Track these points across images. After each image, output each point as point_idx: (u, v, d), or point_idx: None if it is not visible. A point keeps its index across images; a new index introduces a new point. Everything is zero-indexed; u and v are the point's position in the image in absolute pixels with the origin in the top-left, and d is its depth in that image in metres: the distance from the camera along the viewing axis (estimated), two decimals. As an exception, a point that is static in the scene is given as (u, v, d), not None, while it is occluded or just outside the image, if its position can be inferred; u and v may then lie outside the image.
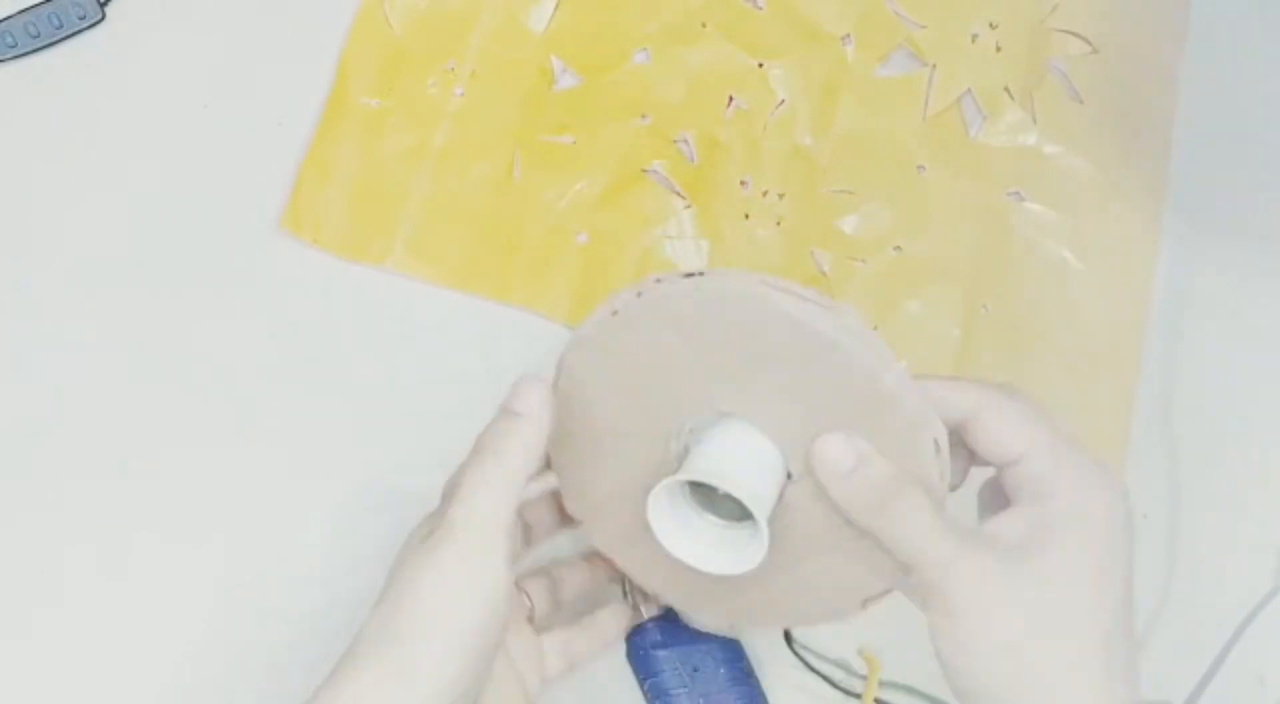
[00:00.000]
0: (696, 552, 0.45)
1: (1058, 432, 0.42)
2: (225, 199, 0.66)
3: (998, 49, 0.72)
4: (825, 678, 0.58)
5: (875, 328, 0.67)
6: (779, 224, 0.68)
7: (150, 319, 0.64)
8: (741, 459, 0.44)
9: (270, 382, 0.63)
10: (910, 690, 0.58)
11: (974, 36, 0.72)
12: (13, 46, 0.66)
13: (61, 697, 0.59)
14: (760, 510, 0.43)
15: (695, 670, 0.59)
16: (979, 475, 0.48)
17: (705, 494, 0.46)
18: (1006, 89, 0.71)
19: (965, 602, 0.39)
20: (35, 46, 0.66)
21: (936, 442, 0.43)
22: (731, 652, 0.59)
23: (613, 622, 0.57)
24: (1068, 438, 0.42)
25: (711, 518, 0.46)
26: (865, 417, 0.43)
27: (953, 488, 0.45)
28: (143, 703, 0.59)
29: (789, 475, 0.44)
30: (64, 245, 0.65)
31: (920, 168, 0.70)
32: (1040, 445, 0.42)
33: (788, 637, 0.56)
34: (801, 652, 0.56)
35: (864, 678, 0.58)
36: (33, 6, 0.66)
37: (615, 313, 0.46)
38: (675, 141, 0.69)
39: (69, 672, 0.59)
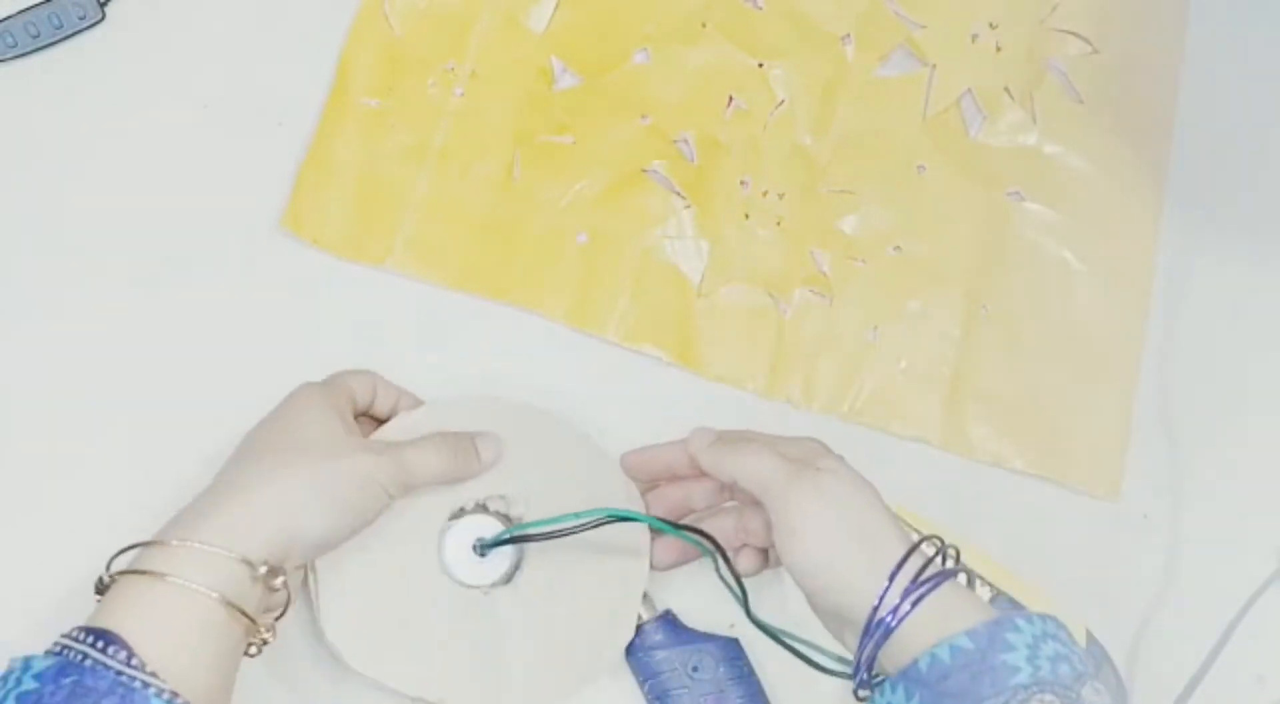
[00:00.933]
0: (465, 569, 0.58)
1: (784, 468, 0.56)
2: (225, 199, 0.66)
3: (998, 49, 0.72)
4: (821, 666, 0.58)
5: (875, 328, 0.68)
6: (779, 224, 0.68)
7: (150, 319, 0.64)
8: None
9: (270, 381, 0.63)
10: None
11: (974, 36, 0.72)
12: (13, 46, 0.66)
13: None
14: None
15: (695, 670, 0.59)
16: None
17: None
18: (1006, 89, 0.71)
19: (800, 519, 0.53)
20: (35, 46, 0.66)
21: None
22: (731, 651, 0.59)
23: None
24: (789, 469, 0.55)
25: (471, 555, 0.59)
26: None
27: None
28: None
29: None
30: (64, 245, 0.65)
31: (920, 168, 0.70)
32: (773, 475, 0.55)
33: (775, 637, 0.56)
34: (799, 646, 0.57)
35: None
36: (33, 7, 0.66)
37: None
38: (675, 141, 0.69)
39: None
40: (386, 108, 0.67)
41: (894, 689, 0.50)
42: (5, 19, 0.66)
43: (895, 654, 0.51)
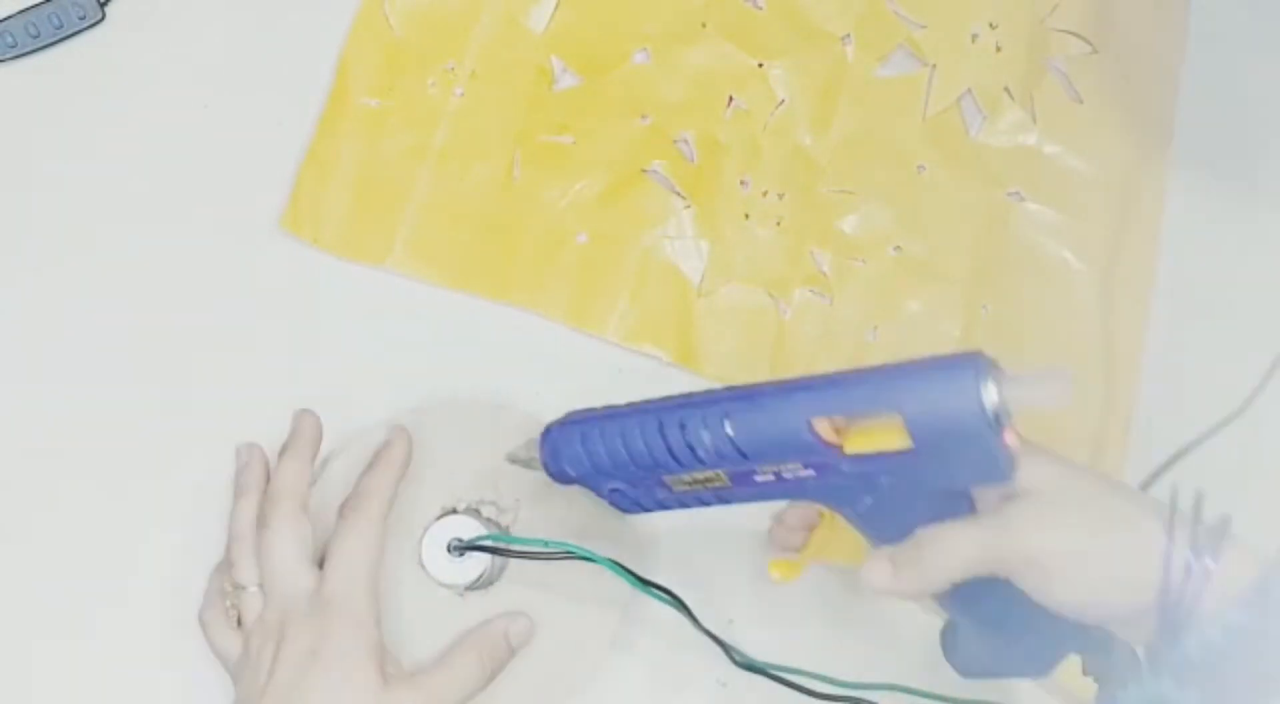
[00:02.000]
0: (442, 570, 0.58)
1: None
2: (225, 199, 0.66)
3: (998, 49, 0.72)
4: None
5: (875, 328, 0.67)
6: (779, 224, 0.68)
7: (150, 318, 0.64)
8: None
9: (270, 381, 0.63)
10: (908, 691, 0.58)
11: (974, 36, 0.72)
12: (13, 46, 0.66)
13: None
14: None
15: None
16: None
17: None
18: (1006, 89, 0.71)
19: (1039, 544, 0.47)
20: (35, 46, 0.66)
21: None
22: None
23: None
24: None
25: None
26: None
27: None
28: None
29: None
30: (64, 245, 0.65)
31: (920, 168, 0.70)
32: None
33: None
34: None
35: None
36: (33, 6, 0.66)
37: None
38: (675, 141, 0.69)
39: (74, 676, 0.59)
40: (386, 108, 0.67)
41: (1155, 677, 0.45)
42: (5, 19, 0.66)
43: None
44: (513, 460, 0.56)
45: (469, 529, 0.58)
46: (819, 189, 0.69)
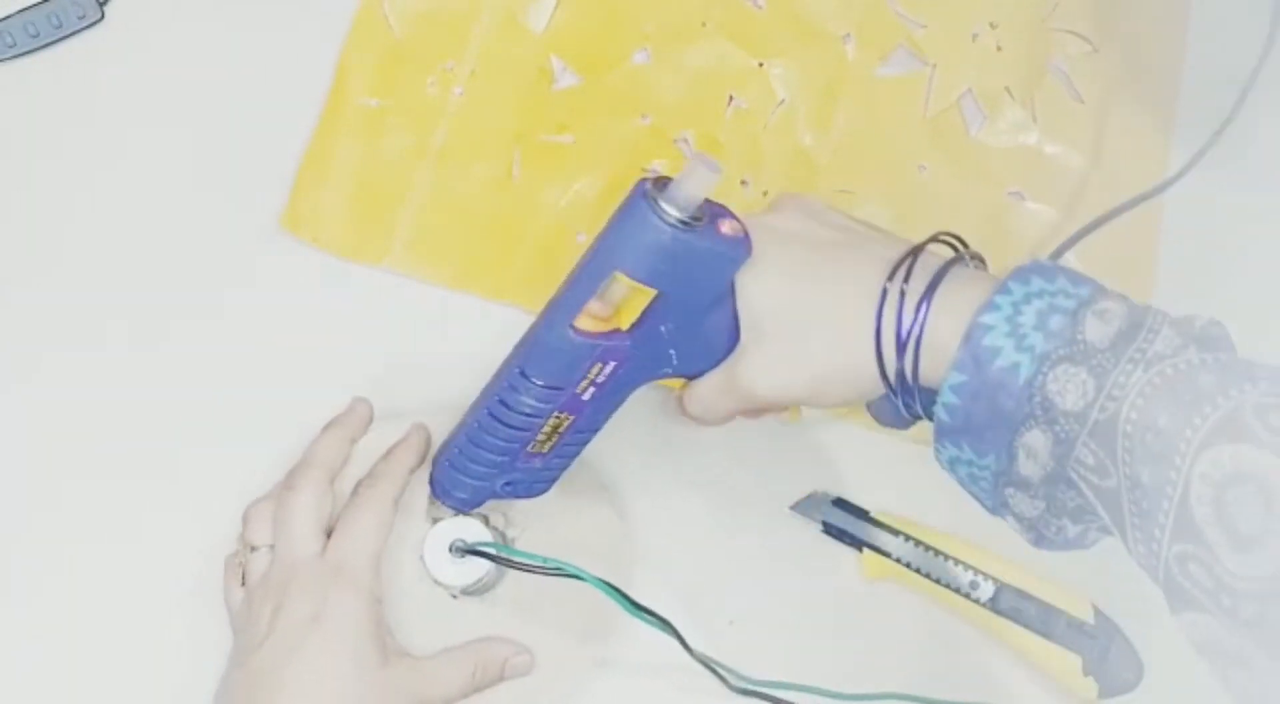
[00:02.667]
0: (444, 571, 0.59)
1: None
2: (225, 199, 0.65)
3: (998, 48, 0.72)
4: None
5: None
6: (779, 224, 0.68)
7: (150, 319, 0.64)
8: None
9: (270, 381, 0.63)
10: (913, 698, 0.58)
11: (974, 36, 0.72)
12: (12, 46, 0.66)
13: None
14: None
15: None
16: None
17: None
18: (1007, 88, 0.71)
19: (766, 383, 0.52)
20: (34, 46, 0.66)
21: None
22: None
23: None
24: None
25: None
26: None
27: None
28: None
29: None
30: (63, 245, 0.65)
31: (921, 167, 0.70)
32: None
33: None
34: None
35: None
36: (32, 6, 0.66)
37: None
38: (675, 141, 0.69)
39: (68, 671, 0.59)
40: (386, 107, 0.67)
41: (944, 446, 0.49)
42: (4, 19, 0.66)
43: (930, 363, 0.49)
44: (433, 520, 0.59)
45: (474, 532, 0.58)
46: (819, 189, 0.69)
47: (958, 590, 0.61)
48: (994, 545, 0.63)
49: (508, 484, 0.57)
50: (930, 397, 0.49)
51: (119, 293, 0.64)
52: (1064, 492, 0.47)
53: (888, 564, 0.62)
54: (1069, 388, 0.45)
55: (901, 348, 0.49)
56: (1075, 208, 0.70)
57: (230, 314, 0.64)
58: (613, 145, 0.68)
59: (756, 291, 0.51)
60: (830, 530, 0.63)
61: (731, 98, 0.70)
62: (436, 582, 0.58)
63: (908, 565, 0.62)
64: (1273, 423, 0.41)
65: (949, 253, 0.51)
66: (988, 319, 0.47)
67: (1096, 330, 0.45)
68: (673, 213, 0.49)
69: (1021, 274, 0.48)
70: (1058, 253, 0.60)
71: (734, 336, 0.53)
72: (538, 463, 0.56)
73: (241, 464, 0.61)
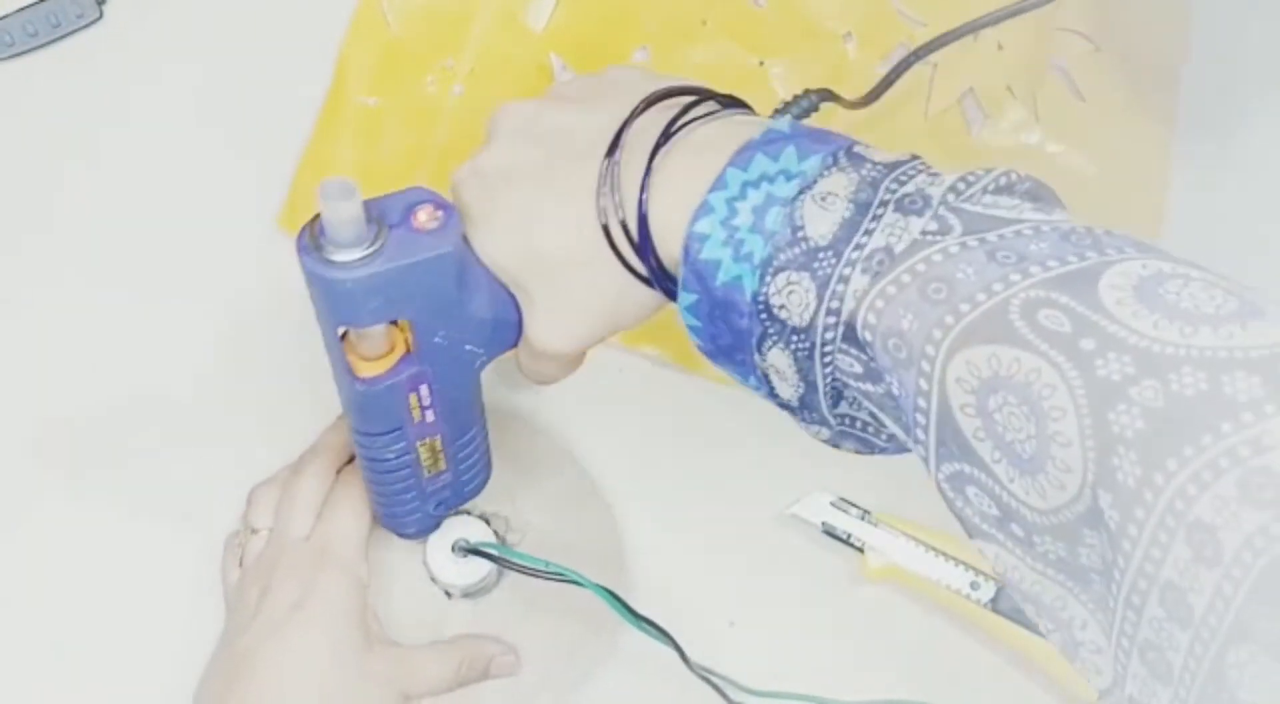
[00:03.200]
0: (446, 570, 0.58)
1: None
2: (222, 198, 0.65)
3: (1000, 47, 0.71)
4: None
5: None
6: (780, 223, 0.68)
7: (149, 319, 0.64)
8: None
9: (270, 381, 0.63)
10: None
11: (975, 35, 0.71)
12: (10, 45, 0.66)
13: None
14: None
15: None
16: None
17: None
18: (1009, 88, 0.71)
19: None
20: (33, 45, 0.66)
21: None
22: None
23: None
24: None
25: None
26: None
27: None
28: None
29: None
30: (62, 244, 0.65)
31: (922, 167, 0.70)
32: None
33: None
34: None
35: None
36: (30, 5, 0.66)
37: None
38: (675, 140, 0.69)
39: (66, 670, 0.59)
40: (385, 106, 0.67)
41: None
42: (3, 18, 0.66)
43: (667, 255, 0.43)
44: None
45: (477, 532, 0.58)
46: (820, 188, 0.69)
47: (958, 591, 0.61)
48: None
49: (439, 505, 0.56)
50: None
51: (118, 292, 0.64)
52: (845, 408, 0.42)
53: (889, 566, 0.62)
54: (791, 300, 0.39)
55: (640, 251, 0.43)
56: (1077, 207, 0.70)
57: (229, 314, 0.64)
58: (613, 144, 0.68)
59: (494, 253, 0.46)
60: (830, 531, 0.62)
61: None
62: (435, 581, 0.58)
63: (908, 566, 0.62)
64: (1040, 321, 0.35)
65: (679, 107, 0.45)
66: (702, 227, 0.41)
67: (817, 222, 0.39)
68: (341, 256, 0.43)
69: (744, 155, 0.41)
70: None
71: (513, 300, 0.48)
72: (448, 477, 0.55)
73: (241, 464, 0.61)
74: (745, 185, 0.40)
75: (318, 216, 0.43)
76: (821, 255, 0.39)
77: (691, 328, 0.43)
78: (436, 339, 0.47)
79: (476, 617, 0.59)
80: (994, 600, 0.61)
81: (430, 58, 0.68)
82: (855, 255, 0.38)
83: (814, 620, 0.62)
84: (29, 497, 0.61)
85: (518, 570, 0.57)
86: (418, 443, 0.51)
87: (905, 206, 0.40)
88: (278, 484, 0.57)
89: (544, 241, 0.45)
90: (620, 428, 0.63)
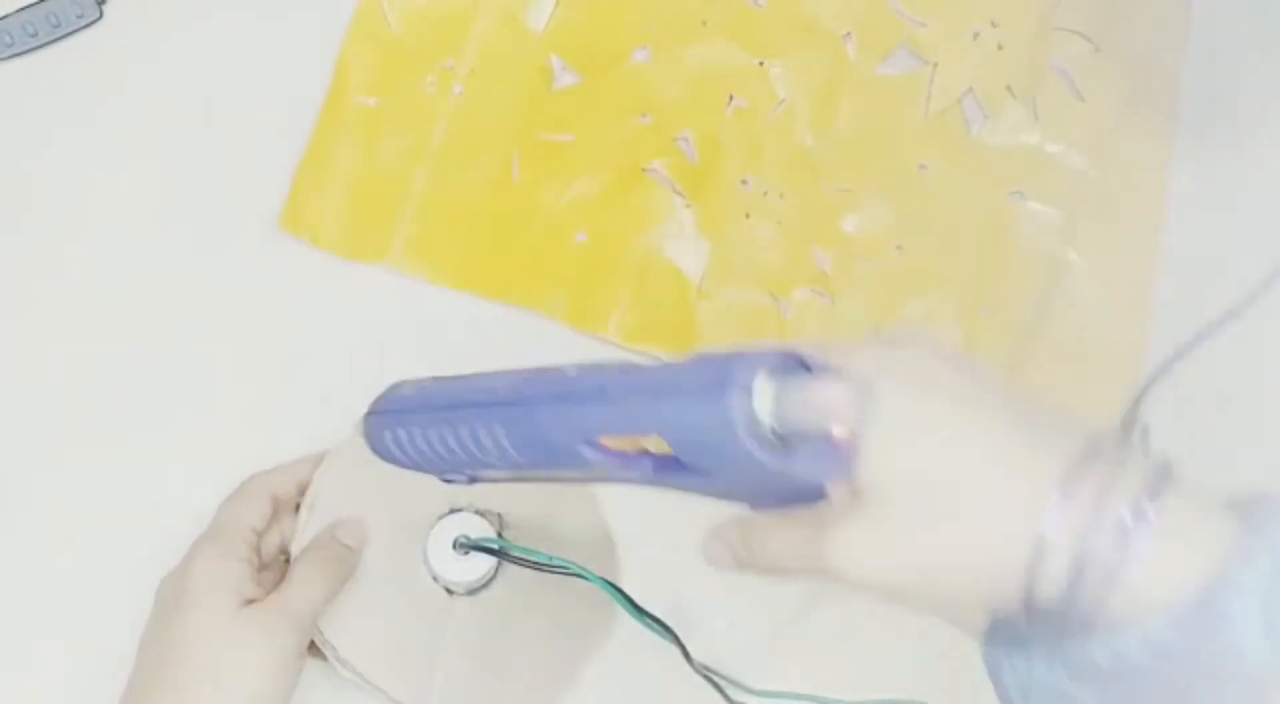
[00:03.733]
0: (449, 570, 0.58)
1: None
2: (225, 199, 0.65)
3: (999, 47, 0.71)
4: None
5: (877, 327, 0.67)
6: (780, 223, 0.68)
7: (150, 319, 0.64)
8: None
9: (270, 381, 0.63)
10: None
11: (975, 35, 0.72)
12: (10, 45, 0.66)
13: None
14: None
15: None
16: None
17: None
18: (1008, 88, 0.71)
19: (867, 576, 0.39)
20: (33, 45, 0.66)
21: None
22: None
23: None
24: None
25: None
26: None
27: None
28: None
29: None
30: (62, 245, 0.65)
31: (922, 167, 0.70)
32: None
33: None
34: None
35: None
36: (30, 5, 0.66)
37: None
38: (675, 141, 0.69)
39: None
40: (384, 107, 0.67)
41: (1053, 669, 0.36)
42: (3, 18, 0.66)
43: (1104, 603, 0.35)
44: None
45: (478, 528, 0.58)
46: (820, 188, 0.69)
47: (959, 591, 0.61)
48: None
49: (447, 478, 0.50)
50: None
51: (117, 293, 0.64)
52: None
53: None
54: None
55: (1077, 572, 0.35)
56: (1077, 207, 0.70)
57: (229, 314, 0.64)
58: (613, 145, 0.68)
59: (880, 447, 0.38)
60: (831, 531, 0.62)
61: (731, 97, 0.69)
62: (437, 579, 0.58)
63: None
64: None
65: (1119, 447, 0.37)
66: (1247, 580, 0.33)
67: None
68: (766, 421, 0.37)
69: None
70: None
71: (812, 488, 0.40)
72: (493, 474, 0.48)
73: (240, 463, 0.60)
74: (1273, 585, 0.34)
75: (791, 356, 0.37)
76: None
77: (1117, 653, 0.34)
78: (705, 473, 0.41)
79: (478, 613, 0.59)
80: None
81: (430, 58, 0.68)
82: None
83: (814, 620, 0.62)
84: (26, 497, 0.61)
85: (521, 564, 0.57)
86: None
87: None
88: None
89: (955, 466, 0.37)
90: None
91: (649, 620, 0.56)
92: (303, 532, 0.58)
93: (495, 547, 0.58)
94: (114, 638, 0.59)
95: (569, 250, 0.67)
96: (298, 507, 0.58)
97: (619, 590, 0.55)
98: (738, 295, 0.67)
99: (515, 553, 0.57)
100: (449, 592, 0.59)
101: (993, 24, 0.72)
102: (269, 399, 0.63)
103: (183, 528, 0.60)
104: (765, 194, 0.68)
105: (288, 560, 0.57)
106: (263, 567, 0.57)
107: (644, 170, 0.68)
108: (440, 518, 0.59)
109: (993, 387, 0.40)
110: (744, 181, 0.68)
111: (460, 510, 0.59)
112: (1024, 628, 0.36)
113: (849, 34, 0.71)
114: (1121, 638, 0.34)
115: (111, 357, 0.63)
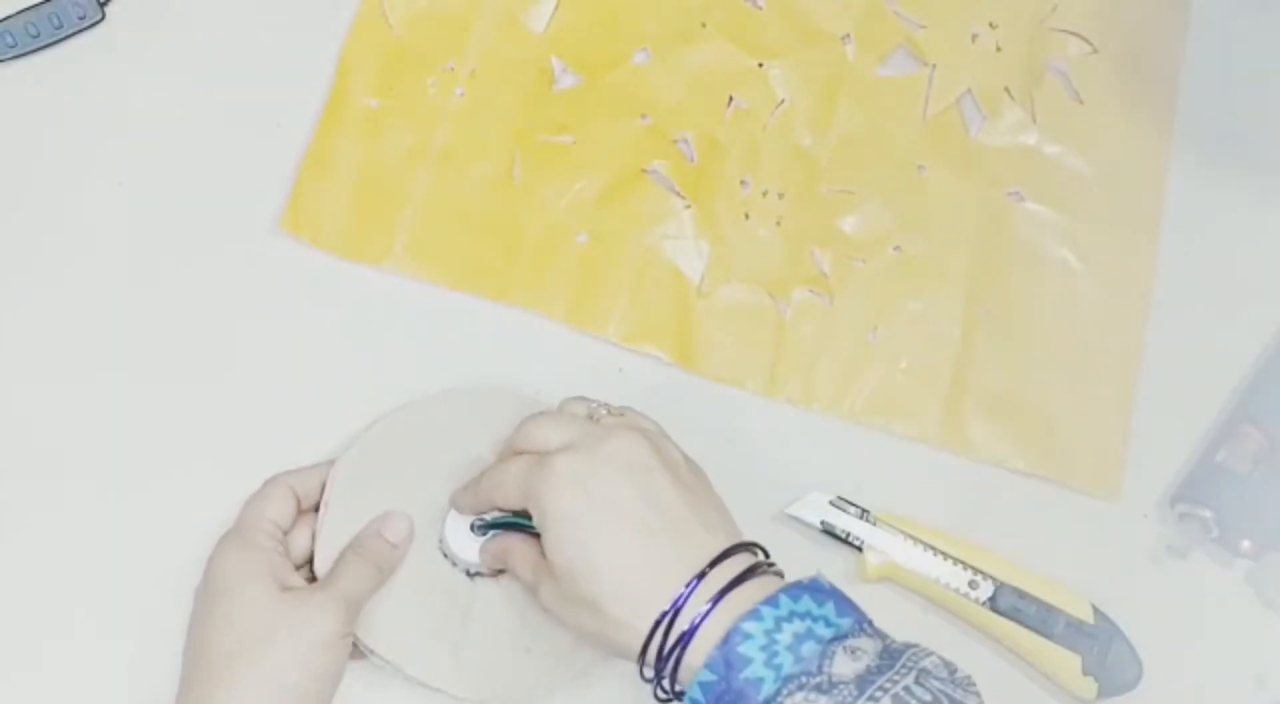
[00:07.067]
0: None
1: (524, 468, 0.54)
2: (225, 199, 0.66)
3: (998, 49, 0.72)
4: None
5: (875, 328, 0.67)
6: (779, 224, 0.68)
7: (150, 319, 0.64)
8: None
9: (270, 381, 0.63)
10: None
11: (974, 36, 0.72)
12: (12, 46, 0.66)
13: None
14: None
15: None
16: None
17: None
18: (1006, 89, 0.71)
19: (558, 523, 0.52)
20: (35, 46, 0.66)
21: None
22: None
23: None
24: (529, 467, 0.54)
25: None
26: None
27: None
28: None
29: None
30: (63, 245, 0.65)
31: (920, 168, 0.70)
32: (515, 483, 0.54)
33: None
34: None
35: None
36: (32, 6, 0.66)
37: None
38: (675, 141, 0.69)
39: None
40: (386, 108, 0.67)
41: None
42: (5, 19, 0.66)
43: (688, 659, 0.50)
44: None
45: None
46: (819, 189, 0.69)
47: (957, 590, 0.62)
48: (994, 545, 0.63)
49: None
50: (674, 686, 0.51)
51: (118, 293, 0.64)
52: None
53: (888, 564, 0.62)
54: None
55: (680, 635, 0.50)
56: (1075, 208, 0.70)
57: (230, 315, 0.64)
58: (613, 145, 0.68)
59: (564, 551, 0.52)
60: (829, 530, 0.63)
61: (731, 98, 0.70)
62: (457, 562, 0.58)
63: (907, 565, 0.62)
64: None
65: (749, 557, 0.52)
66: (749, 626, 0.48)
67: (844, 665, 0.47)
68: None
69: (794, 590, 0.50)
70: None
71: None
72: None
73: (239, 464, 0.61)
74: (792, 613, 0.49)
75: None
76: (843, 686, 0.47)
77: (691, 699, 0.49)
78: None
79: (499, 595, 0.59)
80: (992, 599, 0.62)
81: (432, 60, 0.68)
82: (878, 694, 0.46)
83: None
84: (25, 495, 0.61)
85: (537, 537, 0.57)
86: None
87: (923, 675, 0.48)
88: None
89: (637, 547, 0.51)
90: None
91: None
92: (322, 528, 0.58)
93: (510, 522, 0.58)
94: (115, 641, 0.60)
95: (569, 250, 0.67)
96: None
97: None
98: (737, 295, 0.67)
99: (530, 527, 0.57)
100: (469, 575, 0.59)
101: (991, 25, 0.72)
102: (269, 399, 0.63)
103: (180, 528, 0.61)
104: (764, 194, 0.68)
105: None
106: (296, 566, 0.57)
107: (644, 171, 0.68)
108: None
109: (682, 487, 0.53)
110: (743, 182, 0.69)
111: None
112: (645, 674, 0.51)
113: (848, 35, 0.71)
114: (690, 689, 0.49)
115: (112, 357, 0.63)
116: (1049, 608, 0.62)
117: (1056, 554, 0.64)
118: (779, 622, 0.49)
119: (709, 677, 0.48)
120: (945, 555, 0.62)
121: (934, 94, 0.71)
